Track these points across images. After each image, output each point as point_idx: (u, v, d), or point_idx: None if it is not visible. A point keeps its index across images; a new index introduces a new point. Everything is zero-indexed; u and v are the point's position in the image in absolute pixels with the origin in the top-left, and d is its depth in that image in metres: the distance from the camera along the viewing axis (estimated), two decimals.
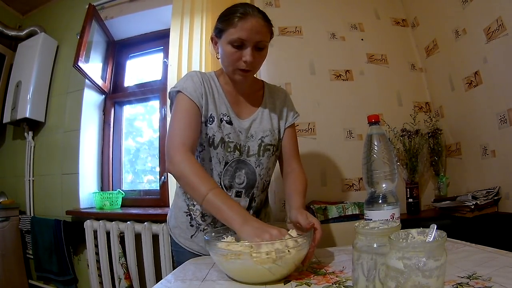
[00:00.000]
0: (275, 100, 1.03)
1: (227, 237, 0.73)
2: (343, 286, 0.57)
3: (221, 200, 0.74)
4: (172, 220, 1.04)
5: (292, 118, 1.03)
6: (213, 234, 0.75)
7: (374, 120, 0.71)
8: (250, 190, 0.95)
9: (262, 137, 0.95)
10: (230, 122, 0.93)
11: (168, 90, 0.95)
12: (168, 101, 0.99)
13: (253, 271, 0.60)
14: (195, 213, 0.97)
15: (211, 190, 0.75)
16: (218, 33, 0.89)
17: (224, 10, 0.89)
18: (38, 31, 2.27)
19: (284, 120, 1.02)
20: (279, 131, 1.00)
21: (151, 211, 1.82)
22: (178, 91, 0.89)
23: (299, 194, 0.90)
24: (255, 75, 1.01)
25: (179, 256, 1.01)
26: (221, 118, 0.92)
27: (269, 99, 1.02)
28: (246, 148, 0.94)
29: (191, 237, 0.98)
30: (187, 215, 0.99)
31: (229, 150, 0.91)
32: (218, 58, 0.92)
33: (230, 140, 0.91)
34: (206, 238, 0.67)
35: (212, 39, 0.93)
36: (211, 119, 0.91)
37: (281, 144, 1.02)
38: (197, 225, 0.98)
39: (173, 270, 0.76)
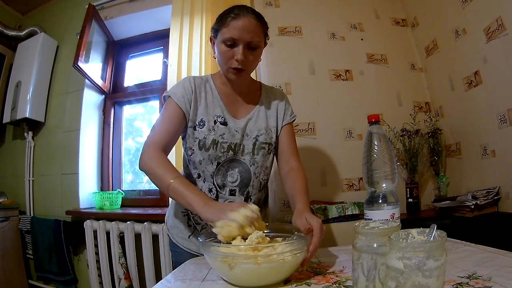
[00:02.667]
0: (272, 100, 1.04)
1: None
2: (343, 286, 0.57)
3: (184, 187, 0.77)
4: (170, 220, 1.04)
5: (290, 117, 1.04)
6: (206, 236, 0.71)
7: (374, 120, 0.71)
8: (244, 188, 0.95)
9: (257, 135, 0.97)
10: (224, 123, 0.94)
11: (163, 95, 0.98)
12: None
13: (245, 277, 0.60)
14: (193, 212, 0.97)
15: (175, 179, 0.78)
16: (214, 33, 0.92)
17: (221, 12, 0.92)
18: (38, 31, 2.27)
19: (281, 119, 1.03)
20: (276, 130, 1.01)
21: (151, 211, 1.82)
22: (169, 96, 0.93)
23: (302, 193, 0.88)
24: (253, 76, 1.02)
25: (177, 257, 1.01)
26: (214, 120, 0.94)
27: (266, 99, 1.03)
28: (241, 147, 0.95)
29: (188, 237, 0.98)
30: (184, 215, 0.99)
31: (222, 150, 0.92)
32: (215, 58, 0.95)
33: (223, 140, 0.93)
34: (200, 240, 0.66)
35: (210, 39, 0.96)
36: (201, 123, 0.93)
37: (278, 142, 1.02)
38: (194, 225, 0.98)
39: (173, 270, 0.76)
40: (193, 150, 0.94)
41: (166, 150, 0.89)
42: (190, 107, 0.93)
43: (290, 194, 0.91)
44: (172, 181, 0.77)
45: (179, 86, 0.94)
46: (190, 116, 0.93)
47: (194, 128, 0.93)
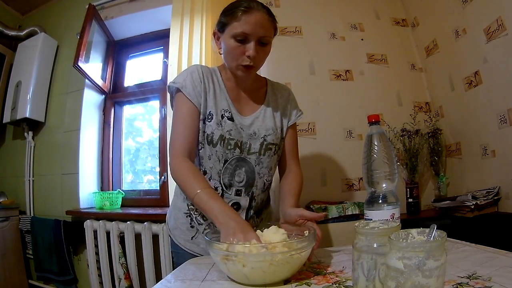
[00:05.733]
0: (278, 98, 1.01)
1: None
2: (343, 286, 0.57)
3: (211, 198, 0.76)
4: (172, 221, 1.03)
5: (295, 116, 1.01)
6: (214, 234, 0.74)
7: (374, 120, 0.71)
8: (249, 188, 0.94)
9: (265, 135, 0.94)
10: (231, 118, 0.91)
11: (168, 84, 0.94)
12: (168, 96, 1.00)
13: (249, 274, 0.60)
14: (195, 213, 0.96)
15: (203, 189, 0.77)
16: (221, 27, 0.87)
17: (228, 4, 0.87)
18: (38, 31, 2.27)
19: (287, 119, 1.00)
20: (282, 130, 0.99)
21: (151, 211, 1.82)
22: (178, 89, 0.89)
23: (295, 195, 0.92)
24: (257, 72, 0.99)
25: (179, 258, 1.00)
26: (222, 114, 0.91)
27: (272, 97, 1.00)
28: (248, 146, 0.92)
29: (191, 239, 0.97)
30: (187, 216, 0.98)
31: (229, 147, 0.90)
32: (221, 54, 0.91)
33: (230, 137, 0.90)
34: (207, 238, 0.67)
35: (214, 34, 0.92)
36: (210, 117, 0.90)
37: (283, 143, 1.00)
38: (197, 226, 0.97)
39: (173, 270, 0.76)
40: (203, 144, 0.91)
41: (191, 152, 0.87)
42: (201, 98, 0.89)
43: (284, 193, 0.94)
44: (198, 191, 0.77)
45: (187, 76, 0.89)
46: (201, 109, 0.89)
47: (204, 122, 0.90)
